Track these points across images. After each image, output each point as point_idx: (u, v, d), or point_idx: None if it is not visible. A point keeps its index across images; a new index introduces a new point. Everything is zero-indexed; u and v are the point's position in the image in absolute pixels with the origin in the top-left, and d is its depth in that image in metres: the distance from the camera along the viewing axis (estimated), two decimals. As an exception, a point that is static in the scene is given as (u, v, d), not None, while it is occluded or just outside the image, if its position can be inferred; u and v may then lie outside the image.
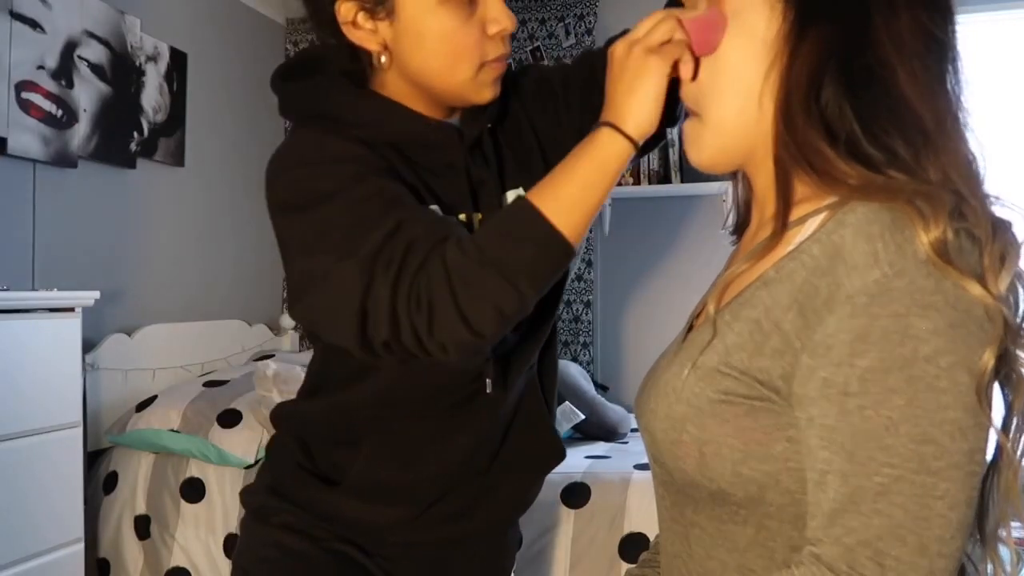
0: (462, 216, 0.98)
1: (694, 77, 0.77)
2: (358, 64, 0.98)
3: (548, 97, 1.08)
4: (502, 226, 0.84)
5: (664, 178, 3.17)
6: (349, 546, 1.07)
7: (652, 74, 0.79)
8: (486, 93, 0.96)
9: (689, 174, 3.12)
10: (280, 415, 1.14)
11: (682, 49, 0.77)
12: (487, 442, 1.07)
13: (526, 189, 0.88)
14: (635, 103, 0.81)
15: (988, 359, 0.60)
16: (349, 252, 0.83)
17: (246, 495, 1.14)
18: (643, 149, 1.10)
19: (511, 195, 1.01)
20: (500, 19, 0.92)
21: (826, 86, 0.67)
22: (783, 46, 0.70)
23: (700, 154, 0.78)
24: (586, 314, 3.41)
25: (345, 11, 0.92)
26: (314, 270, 0.88)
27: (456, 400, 1.03)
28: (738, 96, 0.73)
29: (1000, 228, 0.64)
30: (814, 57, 0.68)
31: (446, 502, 1.06)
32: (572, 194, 0.83)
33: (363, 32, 0.93)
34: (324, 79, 0.99)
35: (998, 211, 0.66)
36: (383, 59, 0.94)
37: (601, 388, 3.12)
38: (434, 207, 0.96)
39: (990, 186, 0.67)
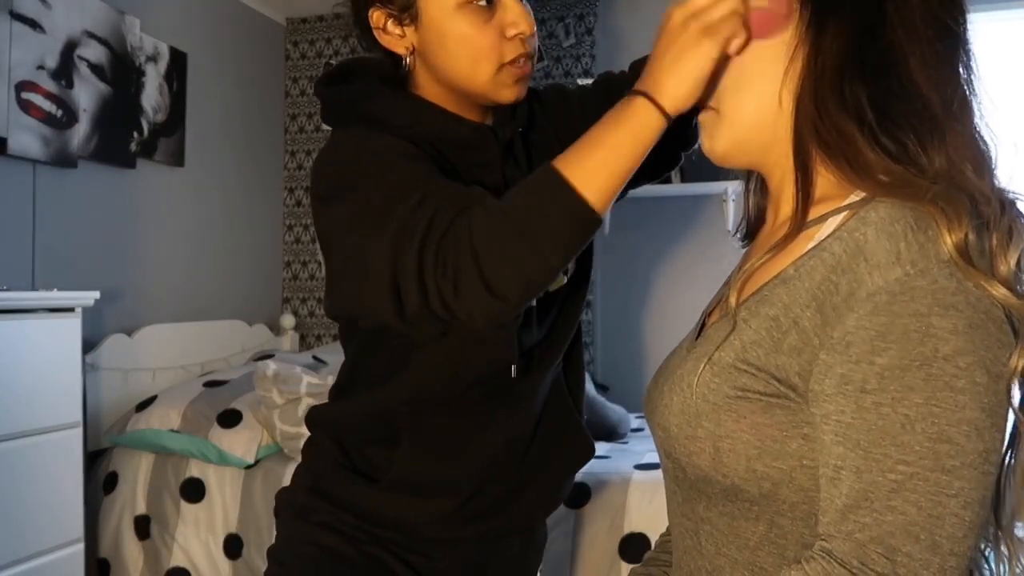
0: None
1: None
2: (398, 69, 1.05)
3: (568, 113, 1.14)
4: (527, 193, 0.84)
5: (664, 178, 3.16)
6: (384, 551, 1.09)
7: (702, 55, 0.76)
8: (508, 93, 1.00)
9: (689, 174, 3.11)
10: (315, 418, 1.16)
11: (737, 28, 0.74)
12: (519, 437, 1.10)
13: None
14: (678, 79, 0.78)
15: (1016, 362, 0.61)
16: (379, 230, 0.86)
17: (284, 494, 1.17)
18: (655, 174, 1.15)
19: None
20: (517, 22, 0.97)
21: (848, 74, 0.68)
22: (800, 42, 0.71)
23: (714, 144, 0.78)
24: (586, 314, 3.41)
25: (376, 18, 1.00)
26: (350, 254, 0.92)
27: (486, 394, 1.06)
28: (758, 93, 0.74)
29: (1006, 206, 0.65)
30: (837, 46, 0.69)
31: (482, 497, 1.09)
32: (600, 161, 0.82)
33: (392, 37, 1.01)
34: (364, 84, 1.05)
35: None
36: (409, 60, 1.02)
37: (601, 388, 3.12)
38: None
39: (1001, 174, 0.68)
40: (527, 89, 1.04)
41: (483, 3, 0.95)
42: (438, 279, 0.83)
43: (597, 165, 0.82)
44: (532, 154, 1.11)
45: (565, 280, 1.12)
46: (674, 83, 0.78)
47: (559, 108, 1.16)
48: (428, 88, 1.04)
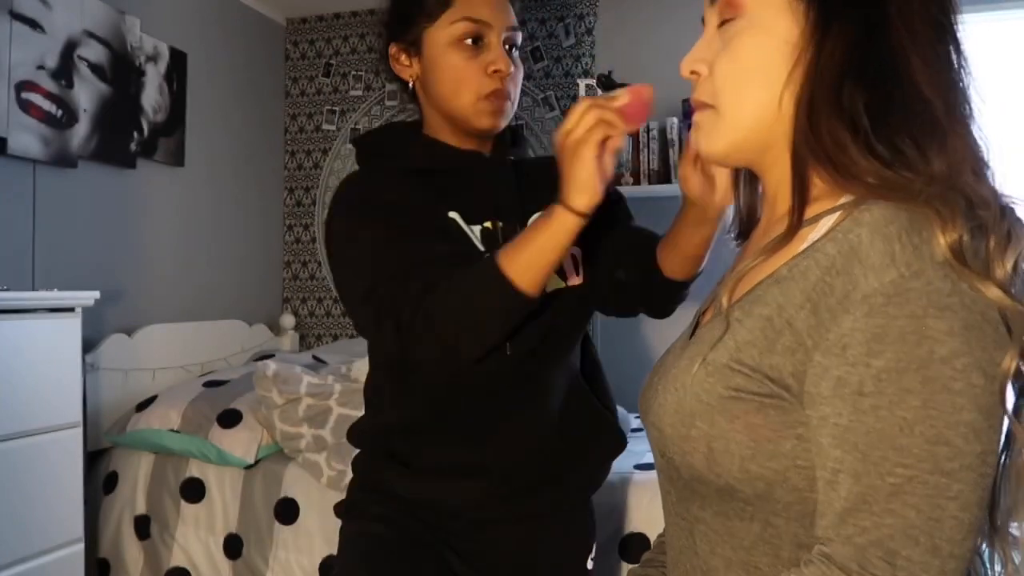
0: (487, 224, 1.22)
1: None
2: (406, 92, 1.31)
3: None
4: (473, 281, 1.06)
5: (664, 178, 3.15)
6: (430, 535, 1.24)
7: (583, 160, 0.97)
8: (485, 121, 1.22)
9: (689, 174, 3.10)
10: (356, 433, 1.34)
11: (605, 130, 0.95)
12: (543, 426, 1.24)
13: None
14: (578, 186, 0.98)
15: (1009, 363, 0.60)
16: (366, 301, 1.12)
17: (338, 504, 1.34)
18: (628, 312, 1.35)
19: (534, 217, 1.20)
20: (497, 62, 1.20)
21: (848, 80, 0.67)
22: (807, 45, 0.70)
23: (712, 145, 0.77)
24: (586, 314, 3.41)
25: (394, 50, 1.27)
26: (351, 298, 1.19)
27: (499, 383, 1.21)
28: (760, 93, 0.73)
29: (1006, 211, 0.64)
30: (840, 51, 0.68)
31: (514, 480, 1.22)
32: (529, 257, 1.03)
33: (402, 66, 1.27)
34: (389, 127, 1.37)
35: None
36: (415, 86, 1.27)
37: (601, 388, 3.12)
38: (454, 213, 1.20)
39: (999, 178, 0.68)
40: (506, 121, 1.25)
41: (470, 43, 1.19)
42: (411, 344, 1.08)
43: (528, 260, 1.03)
44: (523, 180, 1.27)
45: (563, 284, 1.22)
46: (576, 190, 0.99)
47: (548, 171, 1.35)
48: (431, 120, 1.27)
